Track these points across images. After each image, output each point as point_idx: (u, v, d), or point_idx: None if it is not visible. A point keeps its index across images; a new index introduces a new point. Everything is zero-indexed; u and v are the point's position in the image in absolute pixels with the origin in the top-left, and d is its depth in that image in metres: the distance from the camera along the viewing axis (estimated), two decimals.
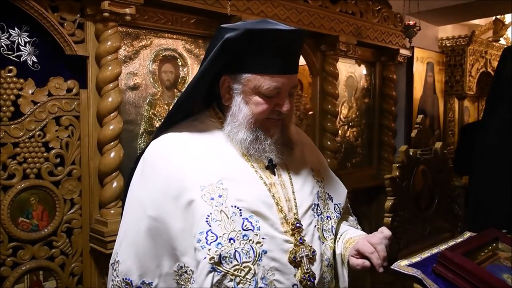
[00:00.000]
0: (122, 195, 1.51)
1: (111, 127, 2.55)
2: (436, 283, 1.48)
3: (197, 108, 1.51)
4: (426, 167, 2.75)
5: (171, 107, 1.55)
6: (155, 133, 1.49)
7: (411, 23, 3.95)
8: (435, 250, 1.70)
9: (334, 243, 1.49)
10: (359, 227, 1.67)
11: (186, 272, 1.27)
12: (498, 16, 5.87)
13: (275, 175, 1.41)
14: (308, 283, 1.31)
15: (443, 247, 1.71)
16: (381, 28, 4.46)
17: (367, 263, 1.33)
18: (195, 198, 1.27)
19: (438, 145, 2.88)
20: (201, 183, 1.29)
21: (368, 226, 4.58)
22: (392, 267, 1.55)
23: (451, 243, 1.78)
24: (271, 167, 1.41)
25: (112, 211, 2.57)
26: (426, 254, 1.67)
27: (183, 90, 1.45)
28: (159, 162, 1.37)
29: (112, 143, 2.56)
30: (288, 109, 1.35)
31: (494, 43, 5.96)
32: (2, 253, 2.36)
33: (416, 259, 1.63)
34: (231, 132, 1.38)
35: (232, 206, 1.27)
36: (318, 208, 1.44)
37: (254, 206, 1.30)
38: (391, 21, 4.57)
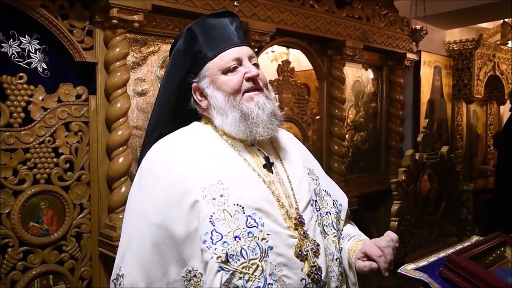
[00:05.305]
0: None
1: (120, 133, 2.58)
2: (442, 287, 1.48)
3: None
4: (433, 171, 2.75)
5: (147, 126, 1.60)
6: (141, 152, 1.51)
7: (418, 27, 3.94)
8: (442, 254, 1.70)
9: (338, 238, 1.49)
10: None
11: (195, 276, 1.27)
12: (506, 19, 5.84)
13: (272, 173, 1.43)
14: (316, 276, 1.31)
15: (450, 251, 1.70)
16: (388, 32, 4.46)
17: (374, 265, 1.35)
18: (198, 199, 1.27)
19: (445, 149, 2.88)
20: (202, 184, 1.30)
21: (376, 231, 4.57)
22: (399, 270, 1.56)
23: (458, 247, 1.77)
24: (268, 166, 1.43)
25: (121, 216, 2.58)
26: (433, 258, 1.67)
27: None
28: (157, 168, 1.37)
29: (120, 148, 2.59)
30: (257, 72, 1.41)
31: (502, 47, 5.92)
32: (13, 258, 2.39)
33: (422, 263, 1.63)
34: (222, 122, 1.41)
35: (234, 205, 1.28)
36: (317, 204, 1.46)
37: (256, 203, 1.30)
38: (397, 25, 4.57)
